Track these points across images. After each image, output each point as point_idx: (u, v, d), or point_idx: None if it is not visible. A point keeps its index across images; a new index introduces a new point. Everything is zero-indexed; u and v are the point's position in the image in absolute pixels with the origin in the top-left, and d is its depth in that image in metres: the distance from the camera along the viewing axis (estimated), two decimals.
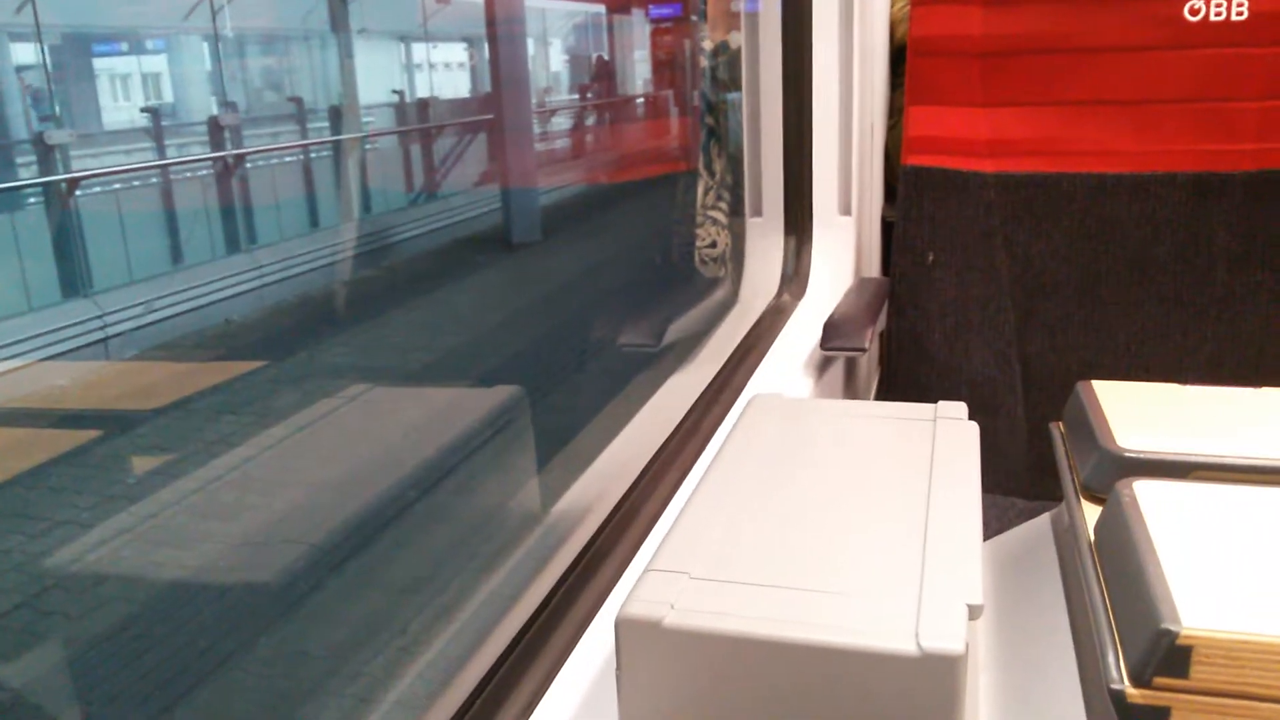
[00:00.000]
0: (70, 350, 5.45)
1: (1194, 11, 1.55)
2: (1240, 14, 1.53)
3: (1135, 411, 0.95)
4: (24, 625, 2.84)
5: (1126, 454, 0.88)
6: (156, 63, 12.47)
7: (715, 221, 2.16)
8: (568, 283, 8.04)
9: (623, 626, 0.68)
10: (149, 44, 12.34)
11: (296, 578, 2.90)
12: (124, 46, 12.34)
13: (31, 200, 6.84)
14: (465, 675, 0.82)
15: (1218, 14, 1.54)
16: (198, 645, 2.69)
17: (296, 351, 5.81)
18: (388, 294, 7.45)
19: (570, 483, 1.28)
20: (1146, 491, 0.79)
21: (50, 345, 5.36)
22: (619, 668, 0.68)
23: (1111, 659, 0.68)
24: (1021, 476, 1.67)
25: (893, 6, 1.93)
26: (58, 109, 8.26)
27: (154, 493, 3.61)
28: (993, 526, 1.06)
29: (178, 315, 6.25)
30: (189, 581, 2.97)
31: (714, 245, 2.14)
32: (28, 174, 6.95)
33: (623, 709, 0.68)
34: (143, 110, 10.38)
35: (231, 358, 5.72)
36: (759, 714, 0.66)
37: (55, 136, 6.78)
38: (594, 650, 0.81)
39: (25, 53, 8.30)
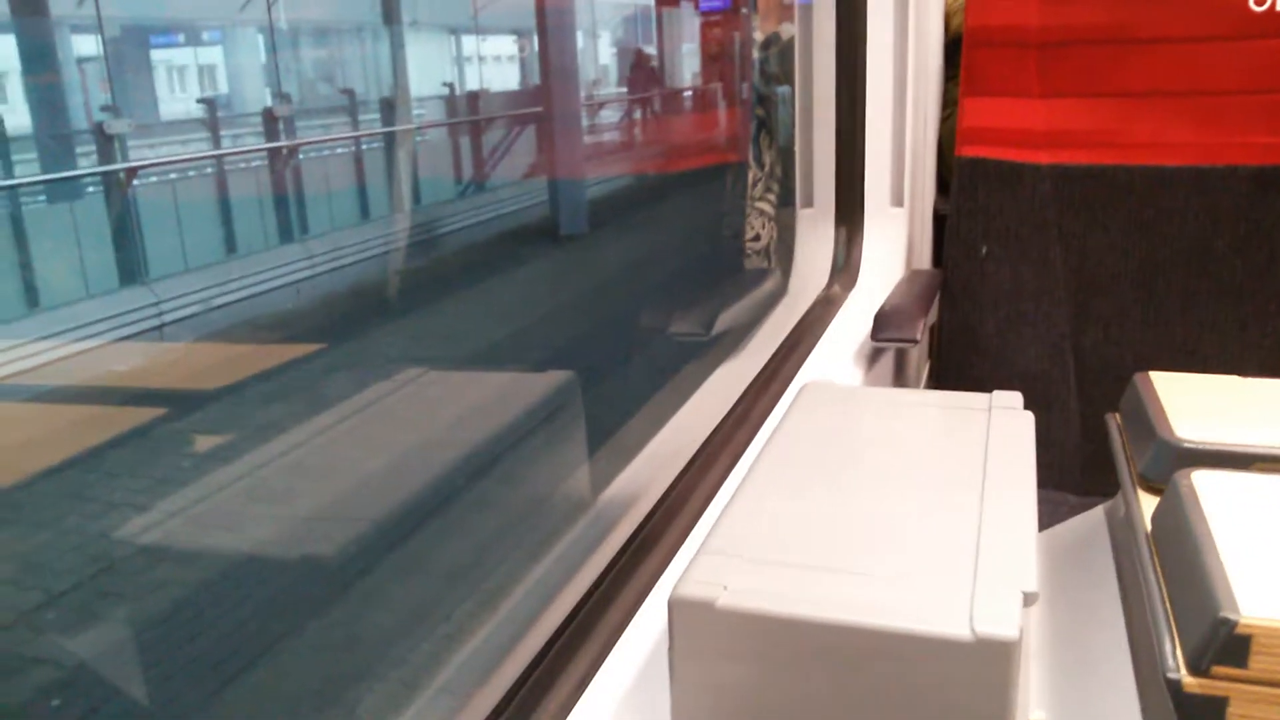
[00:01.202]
0: (138, 333, 5.61)
1: (1259, 2, 1.52)
2: None
3: (1194, 403, 0.94)
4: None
5: (1185, 444, 0.87)
6: (212, 54, 12.70)
7: (762, 213, 2.15)
8: (615, 274, 8.06)
9: (676, 606, 0.68)
10: (205, 36, 12.57)
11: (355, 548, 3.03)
12: (180, 38, 12.59)
13: (91, 189, 7.00)
14: (520, 650, 0.84)
15: None
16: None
17: (352, 339, 5.90)
18: (436, 284, 7.53)
19: (623, 466, 1.29)
20: (1205, 482, 0.78)
21: (122, 327, 5.52)
22: (671, 647, 0.69)
23: (1169, 648, 0.68)
24: (1075, 471, 1.65)
25: None
26: (116, 99, 8.44)
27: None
28: (1045, 521, 1.05)
29: (233, 303, 6.37)
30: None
31: (758, 239, 2.14)
32: (88, 163, 7.12)
33: (675, 688, 0.69)
34: (199, 101, 10.57)
35: (289, 341, 5.82)
36: (810, 695, 0.66)
37: (114, 126, 6.93)
38: (647, 629, 0.82)
39: (86, 44, 8.50)
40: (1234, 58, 1.54)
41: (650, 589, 0.87)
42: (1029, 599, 0.66)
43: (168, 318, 5.89)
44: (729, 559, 0.71)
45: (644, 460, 1.30)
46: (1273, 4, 1.51)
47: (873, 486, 0.82)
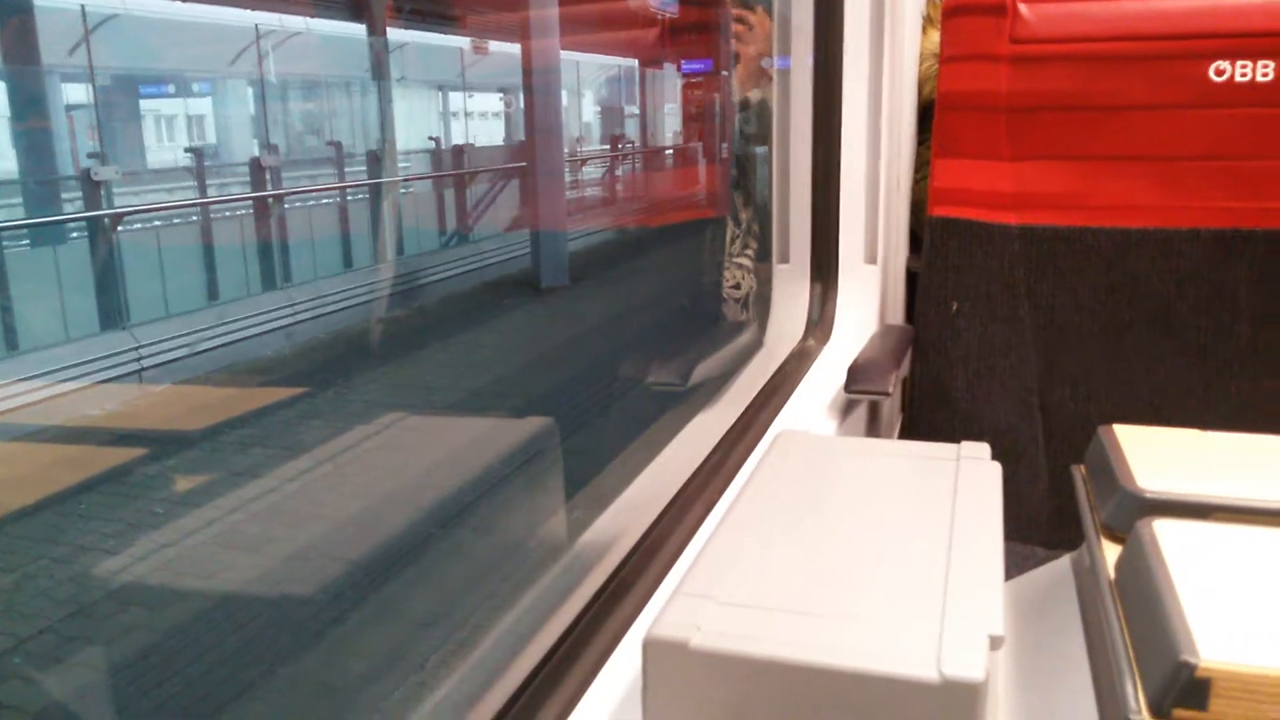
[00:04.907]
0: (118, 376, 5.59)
1: (1219, 73, 1.57)
2: (1265, 75, 1.56)
3: (1156, 455, 0.96)
4: None
5: (1147, 494, 0.89)
6: (202, 105, 12.80)
7: (741, 267, 2.20)
8: (594, 326, 8.11)
9: (650, 647, 0.69)
10: (195, 87, 12.68)
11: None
12: (170, 89, 12.68)
13: (75, 234, 7.00)
14: (494, 692, 0.84)
15: (1243, 75, 1.57)
16: None
17: (332, 386, 5.90)
18: (417, 334, 7.54)
19: (600, 511, 1.30)
20: (1166, 531, 0.80)
21: (101, 371, 5.50)
22: (645, 688, 0.70)
23: (1130, 692, 0.69)
24: (1042, 524, 1.67)
25: (921, 64, 1.98)
26: (104, 147, 8.47)
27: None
28: (1013, 572, 1.07)
29: (214, 349, 6.35)
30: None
31: (737, 287, 2.18)
32: (73, 208, 7.12)
33: None
34: (186, 150, 10.62)
35: (269, 386, 5.81)
36: None
37: (101, 173, 6.95)
38: (621, 670, 0.83)
39: (75, 93, 8.56)
40: (1196, 125, 1.60)
41: (625, 631, 0.88)
42: (995, 642, 0.68)
43: (147, 362, 5.87)
44: (703, 601, 0.73)
45: (621, 505, 1.31)
46: (1231, 77, 1.57)
47: (844, 533, 0.84)
